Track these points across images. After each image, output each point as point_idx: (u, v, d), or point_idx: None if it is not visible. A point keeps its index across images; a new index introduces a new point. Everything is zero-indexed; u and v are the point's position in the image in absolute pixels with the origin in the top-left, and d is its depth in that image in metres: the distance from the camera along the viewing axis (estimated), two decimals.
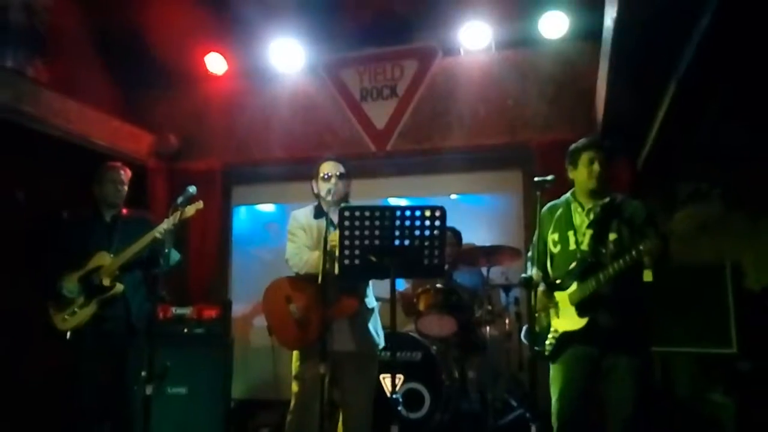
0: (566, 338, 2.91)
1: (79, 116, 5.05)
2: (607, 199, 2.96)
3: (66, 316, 3.52)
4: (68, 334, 3.50)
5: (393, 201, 5.73)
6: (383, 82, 5.75)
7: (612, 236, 2.86)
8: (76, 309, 3.52)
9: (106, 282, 3.53)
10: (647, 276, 2.62)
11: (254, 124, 5.98)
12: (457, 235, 5.03)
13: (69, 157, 5.00)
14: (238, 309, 5.33)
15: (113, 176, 3.76)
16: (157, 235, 3.45)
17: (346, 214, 2.66)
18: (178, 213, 3.33)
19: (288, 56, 5.64)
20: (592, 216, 2.95)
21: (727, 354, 3.49)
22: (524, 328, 4.62)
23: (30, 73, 4.85)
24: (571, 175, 3.05)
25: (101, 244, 3.63)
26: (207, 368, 4.65)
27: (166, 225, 3.42)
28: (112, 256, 3.58)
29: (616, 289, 2.80)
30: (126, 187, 3.80)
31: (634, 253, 2.66)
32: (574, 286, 2.88)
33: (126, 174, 3.82)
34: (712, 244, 4.19)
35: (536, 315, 3.06)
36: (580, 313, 2.85)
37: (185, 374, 4.54)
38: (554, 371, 2.98)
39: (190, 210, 3.47)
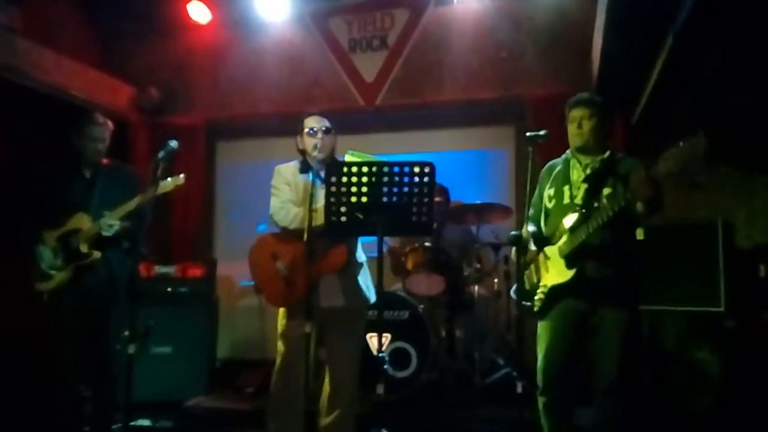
0: (555, 292, 2.87)
1: (56, 67, 4.88)
2: (606, 155, 2.92)
3: (41, 278, 3.42)
4: (44, 294, 3.41)
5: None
6: (373, 32, 5.56)
7: (606, 191, 2.82)
8: (52, 272, 3.41)
9: (84, 248, 3.40)
10: (640, 234, 2.56)
11: (239, 76, 5.80)
12: (444, 191, 4.93)
13: (45, 109, 4.85)
14: (224, 267, 5.25)
15: (94, 130, 3.54)
16: (134, 206, 3.33)
17: (334, 170, 2.60)
18: (155, 187, 3.18)
19: (274, 5, 5.46)
20: (588, 171, 2.91)
21: (715, 312, 3.49)
22: (514, 287, 4.61)
23: (3, 21, 4.65)
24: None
25: (80, 202, 3.46)
26: (192, 327, 4.64)
27: (142, 198, 3.29)
28: (91, 219, 3.42)
29: (605, 240, 2.77)
30: (107, 142, 3.60)
31: (622, 200, 2.61)
32: (564, 238, 2.84)
33: (108, 127, 3.62)
34: (705, 201, 4.17)
35: (524, 270, 3.04)
36: (569, 264, 2.81)
37: (170, 333, 4.53)
38: (541, 328, 2.97)
39: (169, 185, 3.38)
